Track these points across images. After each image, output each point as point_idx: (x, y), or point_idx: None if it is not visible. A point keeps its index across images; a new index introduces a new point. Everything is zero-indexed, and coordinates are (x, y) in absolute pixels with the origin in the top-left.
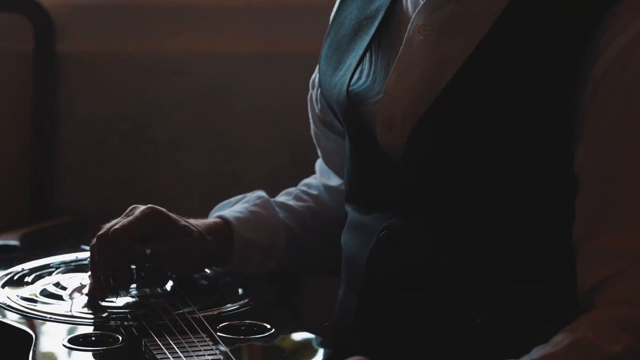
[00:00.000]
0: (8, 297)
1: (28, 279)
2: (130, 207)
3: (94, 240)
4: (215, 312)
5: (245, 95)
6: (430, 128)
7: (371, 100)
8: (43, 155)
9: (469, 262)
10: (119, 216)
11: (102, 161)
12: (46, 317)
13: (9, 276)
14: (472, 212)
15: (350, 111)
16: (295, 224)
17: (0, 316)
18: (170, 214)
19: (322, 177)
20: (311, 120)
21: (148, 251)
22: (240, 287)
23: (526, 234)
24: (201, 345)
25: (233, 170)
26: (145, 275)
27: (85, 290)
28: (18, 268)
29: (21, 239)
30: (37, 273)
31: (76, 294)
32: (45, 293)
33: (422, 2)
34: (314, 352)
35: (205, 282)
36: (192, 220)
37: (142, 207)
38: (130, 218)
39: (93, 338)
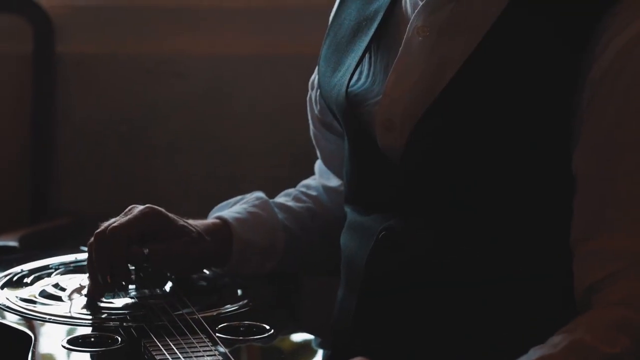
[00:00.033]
0: (7, 298)
1: (27, 280)
2: (129, 207)
3: (92, 238)
4: (214, 313)
5: (244, 97)
6: (429, 129)
7: (370, 101)
8: (42, 157)
9: (468, 261)
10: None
11: (101, 163)
12: (45, 318)
13: (8, 277)
14: (471, 212)
15: (349, 112)
16: (295, 225)
17: None
18: (169, 214)
19: (321, 178)
20: (310, 122)
21: (146, 251)
22: (239, 288)
23: (527, 232)
24: (200, 346)
25: (232, 173)
26: (143, 276)
27: (85, 292)
28: (17, 269)
29: (20, 240)
30: (37, 274)
31: (75, 295)
32: (44, 294)
33: (421, 4)
34: (313, 353)
35: (204, 283)
36: (190, 221)
37: (140, 207)
38: (129, 217)
39: (92, 339)
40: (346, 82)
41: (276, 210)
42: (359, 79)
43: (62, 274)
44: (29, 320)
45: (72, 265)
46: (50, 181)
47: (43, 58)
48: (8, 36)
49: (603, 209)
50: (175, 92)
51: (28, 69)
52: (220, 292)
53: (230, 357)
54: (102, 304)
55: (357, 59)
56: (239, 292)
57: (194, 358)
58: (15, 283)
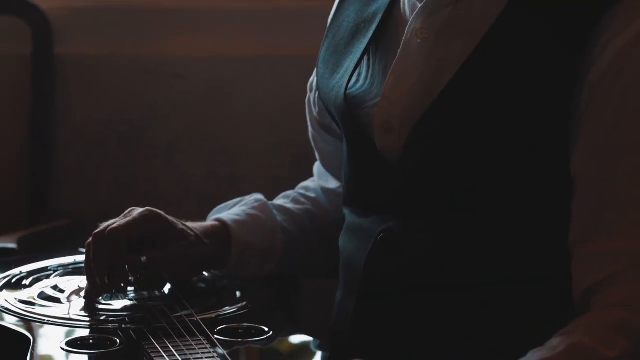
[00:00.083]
0: (6, 300)
1: (26, 281)
2: (128, 209)
3: (90, 238)
4: (213, 315)
5: (244, 97)
6: (427, 131)
7: (369, 103)
8: (41, 158)
9: (467, 263)
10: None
11: (101, 164)
12: (44, 320)
13: (7, 279)
14: (469, 214)
15: (347, 114)
16: (293, 227)
17: None
18: (168, 217)
19: (320, 180)
20: (309, 123)
21: (143, 259)
22: (238, 290)
23: (525, 234)
24: (199, 348)
25: (231, 173)
26: (142, 279)
27: (83, 293)
28: (16, 271)
29: (19, 242)
30: (35, 276)
31: (74, 297)
32: (43, 296)
33: (419, 5)
34: (311, 355)
35: (203, 285)
36: (189, 223)
37: (140, 209)
38: (128, 219)
39: (91, 341)
40: (345, 84)
41: (275, 212)
42: (357, 80)
43: (60, 275)
44: (27, 322)
45: (70, 267)
46: (50, 181)
47: (42, 59)
48: (7, 37)
49: (602, 211)
50: (175, 93)
51: (27, 70)
52: (219, 294)
53: (229, 359)
54: (101, 306)
55: (355, 60)
56: (238, 294)
57: None
58: (14, 285)
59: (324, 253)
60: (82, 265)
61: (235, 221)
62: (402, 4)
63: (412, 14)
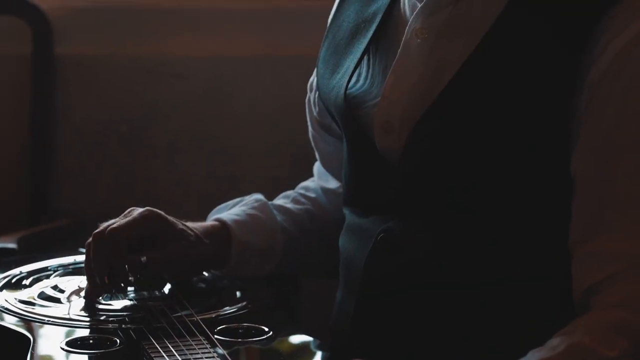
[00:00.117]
0: (6, 300)
1: (26, 281)
2: (128, 209)
3: (90, 238)
4: (213, 315)
5: (244, 97)
6: (427, 131)
7: (369, 103)
8: (41, 158)
9: (467, 263)
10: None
11: (101, 164)
12: (44, 320)
13: (7, 279)
14: (469, 214)
15: (347, 114)
16: (293, 227)
17: None
18: (168, 217)
19: (320, 180)
20: (309, 123)
21: (143, 259)
22: (238, 290)
23: (525, 234)
24: (199, 348)
25: (231, 173)
26: (142, 279)
27: (83, 293)
28: (16, 271)
29: (19, 242)
30: (35, 276)
31: (74, 297)
32: (43, 296)
33: (419, 6)
34: (311, 355)
35: (203, 285)
36: (189, 223)
37: (140, 209)
38: (128, 219)
39: (91, 341)
40: (345, 84)
41: (275, 212)
42: (357, 80)
43: (60, 275)
44: (27, 322)
45: (70, 267)
46: (50, 181)
47: (42, 59)
48: (7, 37)
49: (601, 211)
50: (175, 93)
51: (27, 70)
52: (219, 294)
53: (229, 359)
54: (101, 306)
55: (355, 60)
56: (238, 294)
57: None
58: (14, 285)
59: (324, 253)
60: (82, 265)
61: (235, 221)
62: (402, 4)
63: (412, 14)
